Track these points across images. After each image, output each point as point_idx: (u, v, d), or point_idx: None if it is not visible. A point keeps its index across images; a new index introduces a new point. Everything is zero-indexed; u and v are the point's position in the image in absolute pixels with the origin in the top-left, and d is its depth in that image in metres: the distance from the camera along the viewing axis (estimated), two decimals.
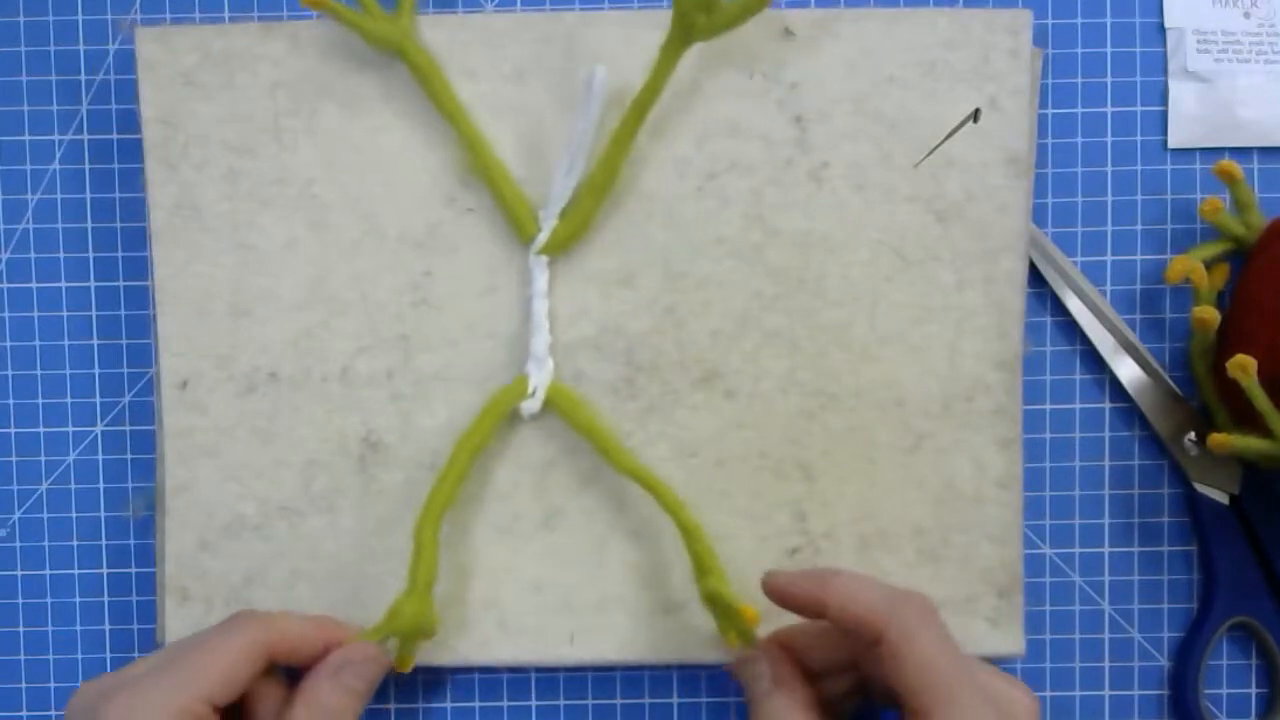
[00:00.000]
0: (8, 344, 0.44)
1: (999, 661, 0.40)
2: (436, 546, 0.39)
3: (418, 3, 0.40)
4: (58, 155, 0.44)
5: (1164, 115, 0.43)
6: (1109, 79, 0.43)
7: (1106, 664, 0.43)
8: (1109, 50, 0.43)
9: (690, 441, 0.41)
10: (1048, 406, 0.43)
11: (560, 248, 0.41)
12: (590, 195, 0.40)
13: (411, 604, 0.39)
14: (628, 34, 0.41)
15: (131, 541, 0.44)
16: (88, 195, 0.44)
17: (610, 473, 0.41)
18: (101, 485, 0.44)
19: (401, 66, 0.41)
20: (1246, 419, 0.39)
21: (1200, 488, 0.42)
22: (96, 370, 0.44)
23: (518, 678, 0.44)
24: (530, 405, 0.40)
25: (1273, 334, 0.39)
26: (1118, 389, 0.43)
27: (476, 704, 0.43)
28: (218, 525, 0.41)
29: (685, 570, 0.41)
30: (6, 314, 0.44)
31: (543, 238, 0.40)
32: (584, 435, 0.40)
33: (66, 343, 0.44)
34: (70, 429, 0.44)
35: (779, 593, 0.37)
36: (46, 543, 0.44)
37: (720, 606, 0.39)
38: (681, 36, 0.38)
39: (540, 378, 0.40)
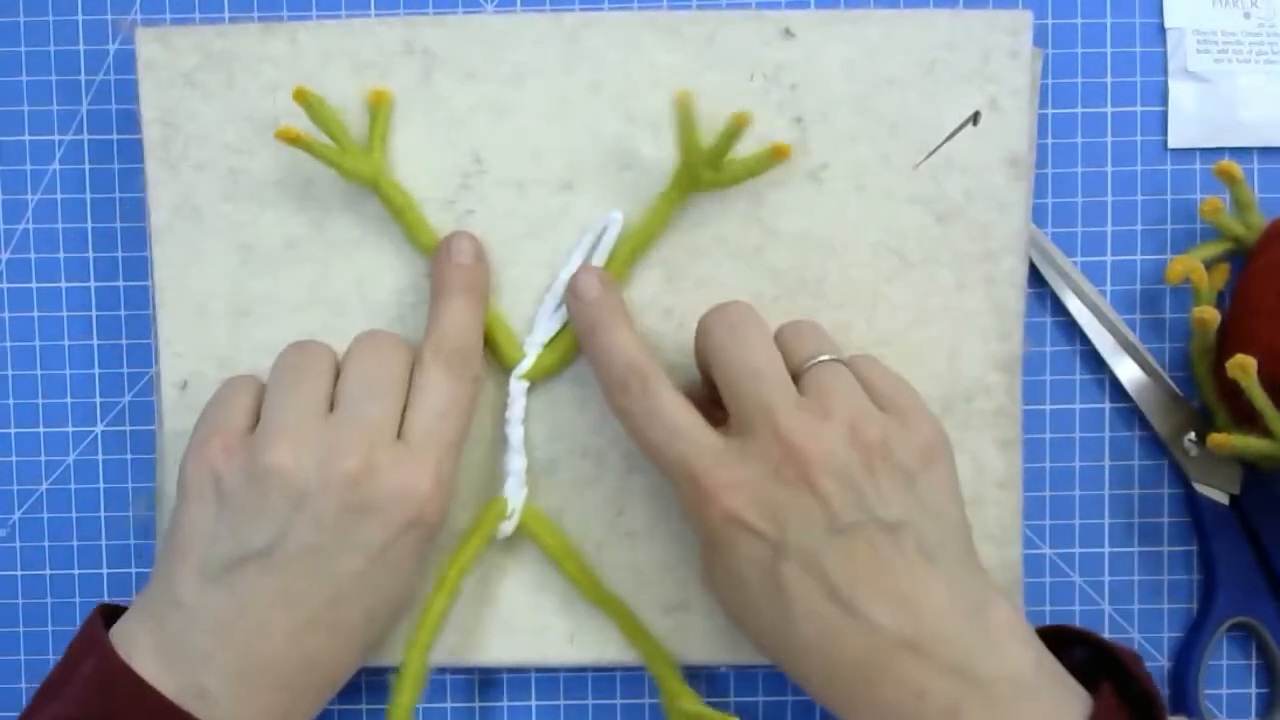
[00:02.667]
0: (8, 344, 0.44)
1: None
2: (425, 673, 0.39)
3: (388, 136, 0.41)
4: (58, 155, 0.44)
5: (1164, 115, 0.43)
6: (1109, 79, 0.43)
7: None
8: (1109, 50, 0.43)
9: None
10: (1048, 406, 0.43)
11: (542, 376, 0.41)
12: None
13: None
14: (627, 35, 0.41)
15: (131, 541, 0.44)
16: (88, 195, 0.44)
17: (610, 473, 0.41)
18: (101, 485, 0.44)
19: (401, 69, 0.41)
20: (1246, 419, 0.39)
21: (1200, 488, 0.42)
22: (96, 370, 0.44)
23: (518, 678, 0.44)
24: (506, 527, 0.40)
25: (1273, 334, 0.39)
26: (1118, 389, 0.43)
27: (476, 704, 0.43)
28: None
29: (685, 570, 0.41)
30: (6, 314, 0.44)
31: (526, 364, 0.40)
32: (553, 559, 0.41)
33: (66, 343, 0.44)
34: (70, 429, 0.44)
35: None
36: (46, 543, 0.44)
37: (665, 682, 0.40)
38: (685, 186, 0.39)
39: (518, 499, 0.41)
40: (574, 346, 0.40)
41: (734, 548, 0.33)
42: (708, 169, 0.39)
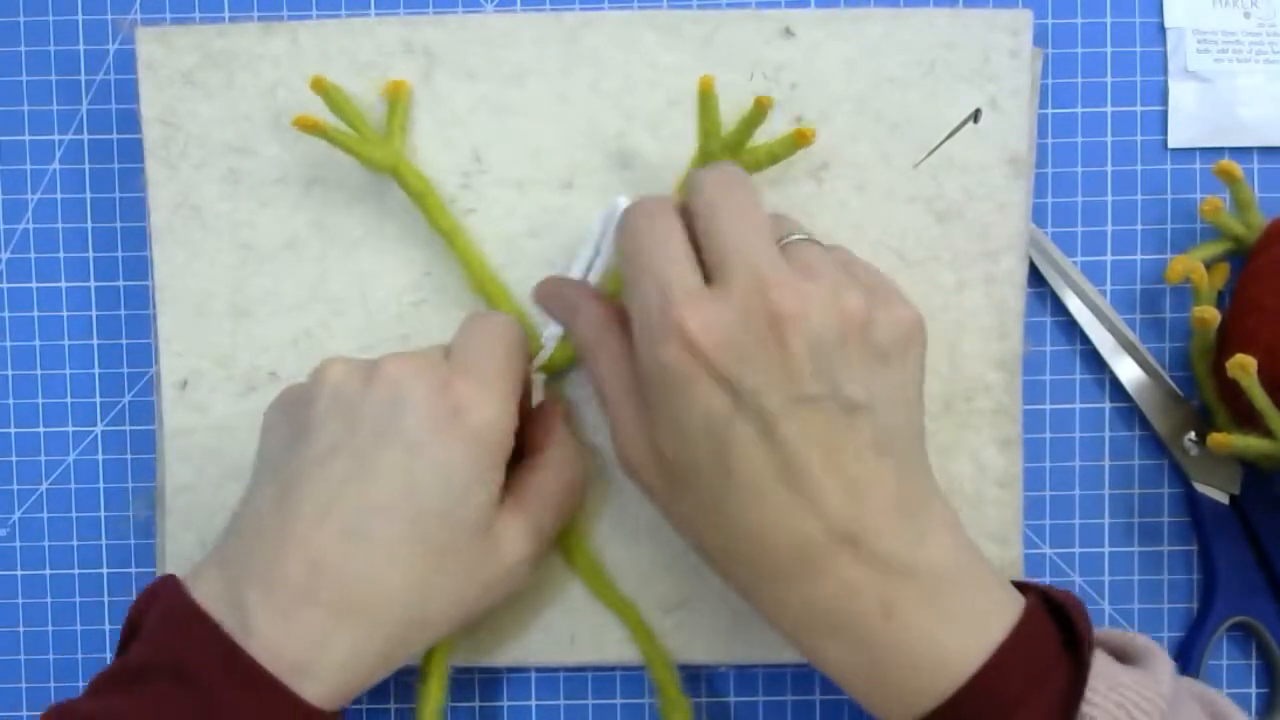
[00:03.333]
0: (8, 344, 0.44)
1: None
2: (446, 673, 0.39)
3: (407, 120, 0.41)
4: (58, 155, 0.44)
5: (1164, 115, 0.43)
6: (1109, 79, 0.43)
7: None
8: (1109, 50, 0.43)
9: None
10: (1048, 406, 0.43)
11: (558, 368, 0.41)
12: None
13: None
14: (628, 34, 0.41)
15: (131, 541, 0.44)
16: (88, 195, 0.44)
17: (610, 474, 0.41)
18: (101, 485, 0.44)
19: (400, 69, 0.41)
20: (1246, 419, 0.39)
21: (1200, 488, 0.42)
22: (96, 370, 0.44)
23: (518, 678, 0.44)
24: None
25: (1273, 334, 0.39)
26: (1118, 389, 0.43)
27: (477, 704, 0.43)
28: (218, 525, 0.41)
29: (684, 570, 0.41)
30: (6, 314, 0.44)
31: (544, 356, 0.40)
32: (566, 556, 0.41)
33: (66, 343, 0.44)
34: (70, 429, 0.44)
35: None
36: (46, 543, 0.44)
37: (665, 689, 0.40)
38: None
39: None
40: None
41: (689, 393, 0.31)
42: (727, 155, 0.38)
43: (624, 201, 0.36)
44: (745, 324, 0.31)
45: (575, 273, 0.39)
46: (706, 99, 0.38)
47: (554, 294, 0.38)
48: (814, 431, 0.31)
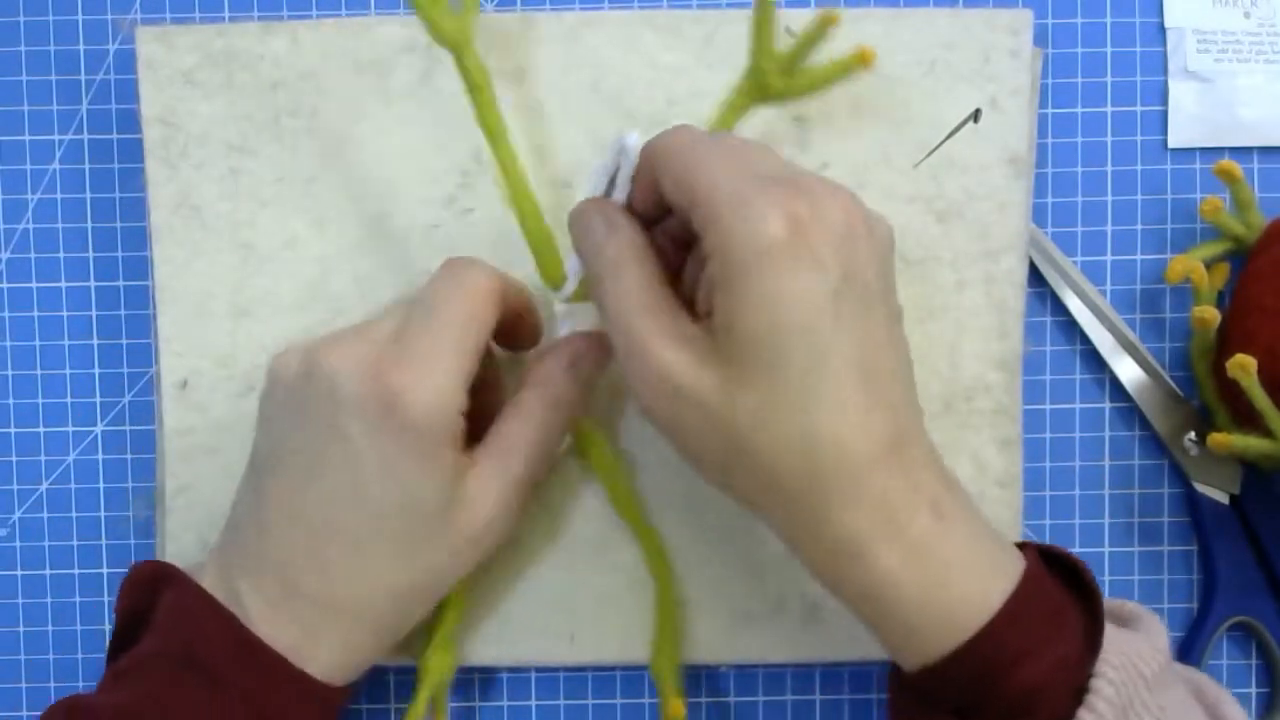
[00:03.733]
0: (8, 344, 0.44)
1: None
2: (463, 603, 0.40)
3: (477, 14, 0.38)
4: (58, 155, 0.44)
5: (1164, 115, 0.43)
6: (1109, 79, 0.43)
7: None
8: (1109, 50, 0.43)
9: None
10: (1048, 406, 0.43)
11: (587, 297, 0.39)
12: None
13: (438, 657, 0.39)
14: (628, 34, 0.41)
15: (131, 541, 0.44)
16: (88, 195, 0.44)
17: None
18: (101, 485, 0.44)
19: (401, 68, 0.41)
20: (1246, 419, 0.39)
21: (1200, 488, 0.42)
22: (96, 370, 0.44)
23: (518, 678, 0.44)
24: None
25: (1273, 334, 0.39)
26: (1118, 389, 0.43)
27: (476, 704, 0.43)
28: (218, 525, 0.41)
29: (685, 570, 0.41)
30: (6, 314, 0.44)
31: (570, 288, 0.39)
32: (599, 475, 0.41)
33: (66, 343, 0.44)
34: (70, 429, 0.44)
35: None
36: (46, 543, 0.44)
37: (660, 684, 0.40)
38: (753, 96, 0.36)
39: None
40: None
41: (793, 270, 0.29)
42: (780, 76, 0.35)
43: (635, 138, 0.33)
44: (845, 220, 0.30)
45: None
46: (763, 11, 0.34)
47: (591, 211, 0.35)
48: (882, 325, 0.31)
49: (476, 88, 0.38)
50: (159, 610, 0.35)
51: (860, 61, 0.34)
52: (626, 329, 0.32)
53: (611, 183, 0.35)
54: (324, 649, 0.34)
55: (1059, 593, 0.32)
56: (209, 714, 0.33)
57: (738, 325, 0.30)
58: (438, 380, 0.33)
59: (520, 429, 0.36)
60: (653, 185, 0.32)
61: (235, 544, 0.36)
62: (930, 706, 0.32)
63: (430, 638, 0.40)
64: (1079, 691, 0.30)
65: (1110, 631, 0.31)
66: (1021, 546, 0.34)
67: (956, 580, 0.31)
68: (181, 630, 0.34)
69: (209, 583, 0.35)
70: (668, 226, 0.35)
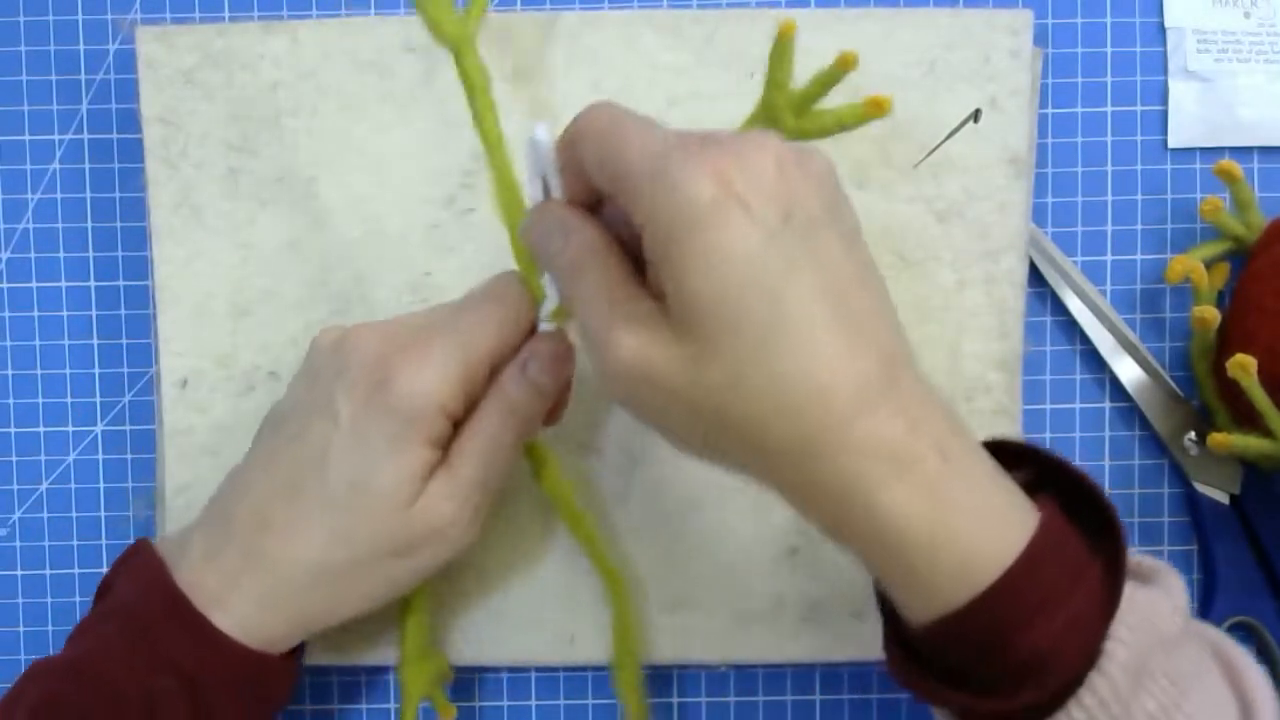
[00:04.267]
0: (8, 344, 0.44)
1: None
2: (426, 608, 0.40)
3: (483, 15, 0.37)
4: (58, 155, 0.44)
5: (1164, 115, 0.43)
6: (1109, 79, 0.43)
7: None
8: (1109, 50, 0.43)
9: None
10: (1048, 406, 0.43)
11: (567, 318, 0.38)
12: None
13: (411, 671, 0.39)
14: (628, 34, 0.41)
15: (131, 541, 0.44)
16: (88, 195, 0.44)
17: (610, 470, 0.41)
18: (101, 485, 0.44)
19: (401, 68, 0.41)
20: (1246, 419, 0.39)
21: (1200, 487, 0.42)
22: (96, 370, 0.44)
23: (518, 678, 0.44)
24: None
25: (1273, 334, 0.39)
26: (1118, 389, 0.43)
27: (476, 704, 0.43)
28: None
29: (685, 570, 0.41)
30: (6, 314, 0.44)
31: (548, 309, 0.37)
32: (565, 517, 0.40)
33: (66, 342, 0.44)
34: (70, 429, 0.44)
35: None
36: (46, 543, 0.44)
37: (627, 695, 0.40)
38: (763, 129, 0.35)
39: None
40: None
41: (726, 225, 0.28)
42: (791, 114, 0.34)
43: (543, 130, 0.32)
44: (776, 164, 0.29)
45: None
46: (783, 46, 0.33)
47: (541, 219, 0.33)
48: (840, 253, 0.29)
49: (476, 90, 0.37)
50: (121, 569, 0.37)
51: (875, 110, 0.33)
52: (592, 326, 0.30)
53: (545, 183, 0.34)
54: (239, 599, 0.35)
55: (1078, 545, 0.30)
56: (135, 663, 0.34)
57: (685, 296, 0.28)
58: (429, 374, 0.34)
59: (470, 434, 0.36)
60: (579, 172, 0.31)
61: (214, 496, 0.37)
62: (929, 671, 0.31)
63: (401, 652, 0.39)
64: (1092, 652, 0.28)
65: (1128, 588, 0.30)
66: (1045, 484, 0.32)
67: (968, 528, 0.28)
68: (125, 584, 0.36)
69: (168, 535, 0.37)
70: (616, 209, 0.32)
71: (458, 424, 0.36)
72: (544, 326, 0.37)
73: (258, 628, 0.35)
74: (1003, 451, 0.32)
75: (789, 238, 0.28)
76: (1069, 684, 0.29)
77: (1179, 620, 0.30)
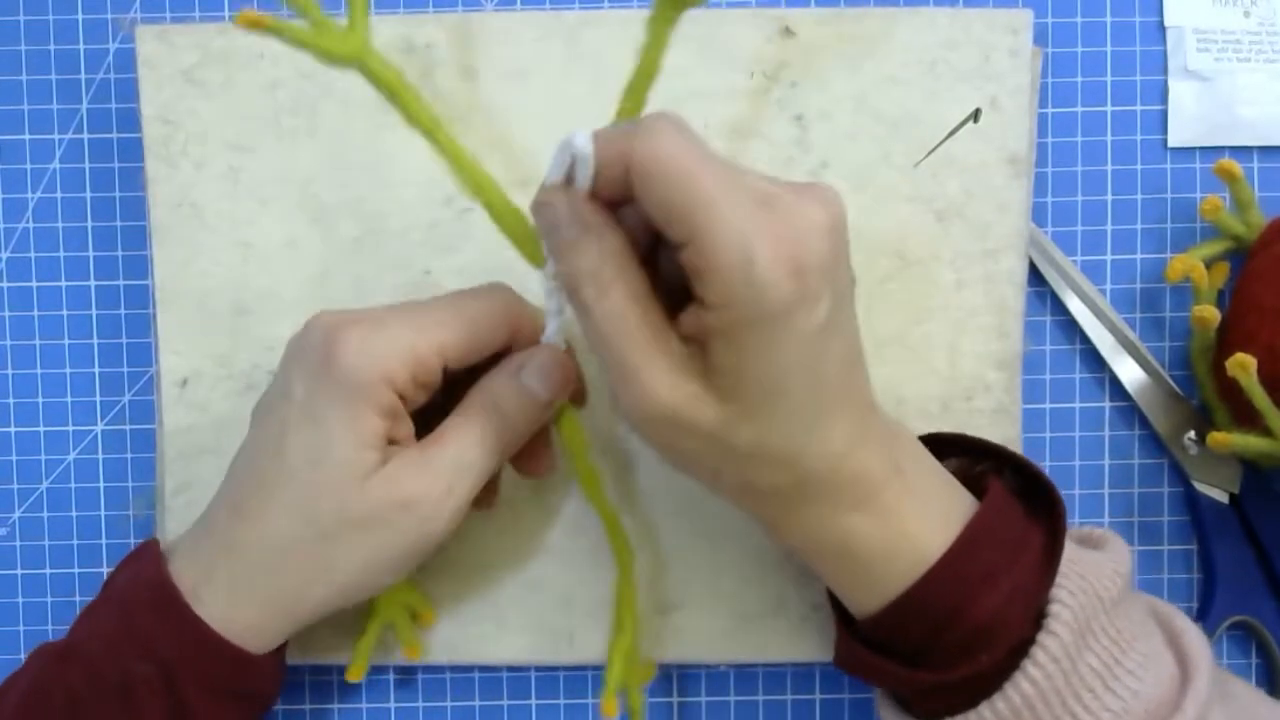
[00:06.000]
0: (8, 343, 0.44)
1: None
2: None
3: (370, 11, 0.35)
4: (58, 154, 0.44)
5: (1164, 114, 0.43)
6: (1109, 78, 0.43)
7: None
8: (1109, 49, 0.43)
9: None
10: (1048, 406, 0.43)
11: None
12: None
13: (388, 594, 0.39)
14: (628, 34, 0.41)
15: (131, 541, 0.44)
16: (88, 194, 0.44)
17: (611, 475, 0.41)
18: (101, 485, 0.44)
19: (403, 65, 0.41)
20: (1246, 418, 0.39)
21: (1200, 487, 0.42)
22: (96, 370, 0.44)
23: (518, 678, 0.44)
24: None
25: (1273, 333, 0.39)
26: (1118, 389, 0.43)
27: (476, 704, 0.43)
28: None
29: (684, 571, 0.41)
30: (6, 313, 0.44)
31: (554, 266, 0.36)
32: (571, 456, 0.39)
33: (66, 342, 0.44)
34: (70, 428, 0.44)
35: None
36: (46, 542, 0.44)
37: (620, 663, 0.39)
38: (671, 3, 0.34)
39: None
40: None
41: (793, 316, 0.29)
42: None
43: (583, 139, 0.30)
44: (830, 234, 0.30)
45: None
46: None
47: (557, 201, 0.31)
48: (852, 316, 0.32)
49: (394, 91, 0.35)
50: (126, 562, 0.38)
51: None
52: (618, 357, 0.30)
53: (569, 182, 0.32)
54: (213, 589, 0.35)
55: (1019, 520, 0.34)
56: (120, 649, 0.35)
57: (743, 372, 0.30)
58: (378, 345, 0.34)
59: (450, 419, 0.36)
60: (621, 181, 0.30)
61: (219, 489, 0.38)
62: (884, 655, 0.34)
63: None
64: (1038, 617, 0.32)
65: (1071, 552, 0.33)
66: (993, 469, 0.36)
67: (917, 530, 0.32)
68: (123, 574, 0.37)
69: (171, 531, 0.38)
70: (633, 211, 0.32)
71: (426, 410, 0.35)
72: (545, 284, 0.36)
73: (235, 618, 0.35)
74: (938, 442, 0.36)
75: (833, 316, 0.30)
76: (1019, 647, 0.32)
77: (1120, 582, 0.33)
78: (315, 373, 0.34)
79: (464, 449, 0.35)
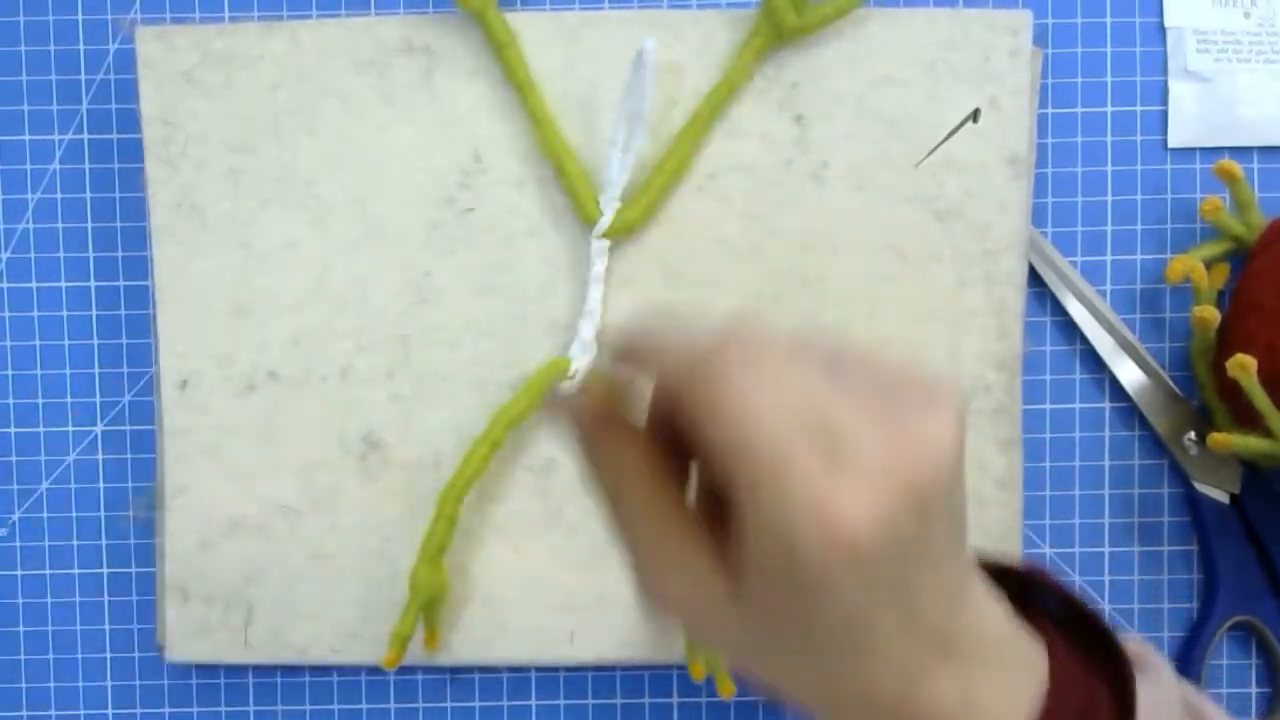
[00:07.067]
0: (8, 344, 0.44)
1: None
2: (456, 517, 0.40)
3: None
4: (58, 155, 0.44)
5: (1164, 115, 0.43)
6: (1109, 79, 0.43)
7: None
8: (1109, 50, 0.43)
9: None
10: (1048, 406, 0.43)
11: (624, 232, 0.40)
12: (659, 181, 0.40)
13: (425, 570, 0.39)
14: (628, 34, 0.41)
15: (131, 541, 0.44)
16: (88, 195, 0.44)
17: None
18: (101, 485, 0.44)
19: (400, 68, 0.41)
20: (1246, 419, 0.39)
21: (1200, 487, 0.42)
22: (96, 370, 0.44)
23: (518, 678, 0.44)
24: (569, 387, 0.38)
25: (1273, 334, 0.39)
26: (1118, 389, 0.43)
27: (476, 704, 0.43)
28: (218, 525, 0.41)
29: None
30: (6, 314, 0.44)
31: (605, 222, 0.40)
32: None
33: (66, 343, 0.44)
34: (70, 429, 0.44)
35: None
36: (46, 543, 0.44)
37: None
38: (769, 35, 0.39)
39: (583, 362, 0.40)
40: (655, 201, 0.40)
41: (834, 592, 0.24)
42: (792, 12, 0.39)
43: (651, 45, 0.36)
44: (916, 491, 0.24)
45: (615, 146, 0.39)
46: None
47: (579, 408, 0.28)
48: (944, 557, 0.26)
49: (503, 45, 0.40)
50: None
51: None
52: (638, 565, 0.27)
53: (640, 96, 0.38)
54: None
55: (1086, 682, 0.28)
56: None
57: (779, 614, 0.25)
58: None
59: None
60: (668, 395, 0.26)
61: None
62: None
63: (421, 553, 0.40)
64: None
65: (1141, 699, 0.28)
66: (1042, 613, 0.29)
67: (988, 695, 0.26)
68: None
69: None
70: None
71: None
72: (595, 243, 0.39)
73: None
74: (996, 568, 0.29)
75: (910, 567, 0.25)
76: None
77: (1178, 710, 0.29)
78: None
79: None
